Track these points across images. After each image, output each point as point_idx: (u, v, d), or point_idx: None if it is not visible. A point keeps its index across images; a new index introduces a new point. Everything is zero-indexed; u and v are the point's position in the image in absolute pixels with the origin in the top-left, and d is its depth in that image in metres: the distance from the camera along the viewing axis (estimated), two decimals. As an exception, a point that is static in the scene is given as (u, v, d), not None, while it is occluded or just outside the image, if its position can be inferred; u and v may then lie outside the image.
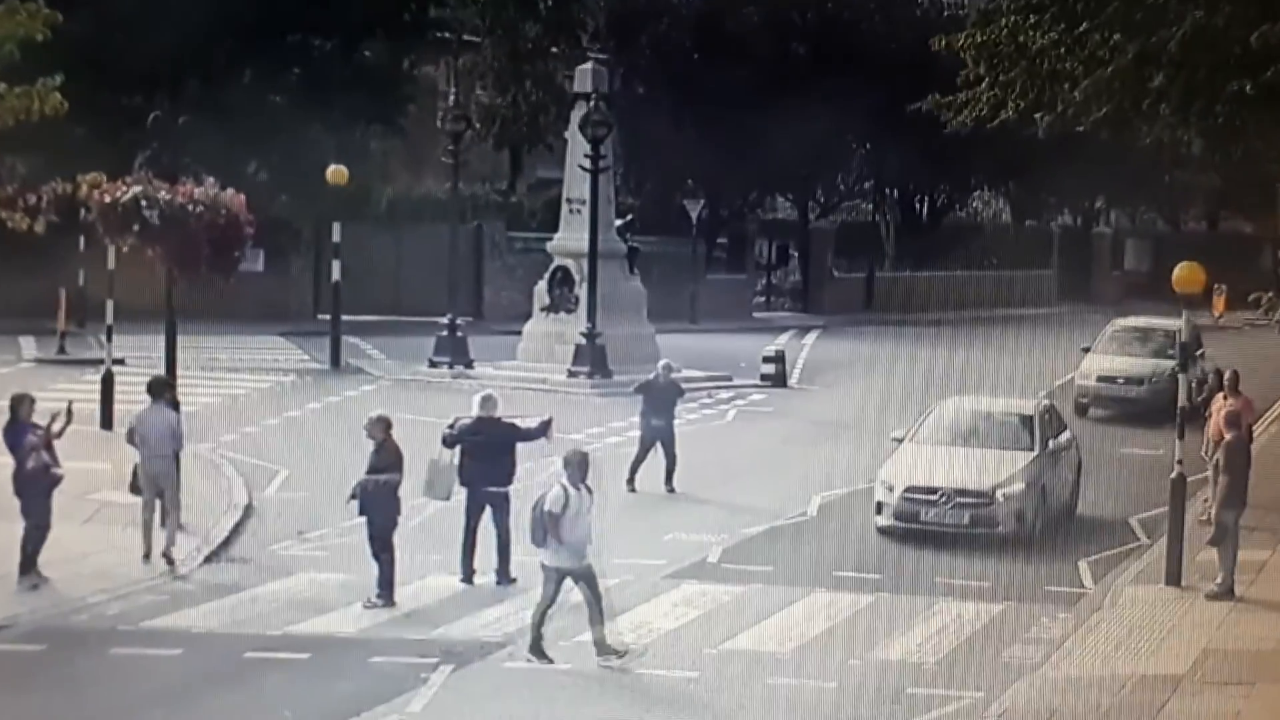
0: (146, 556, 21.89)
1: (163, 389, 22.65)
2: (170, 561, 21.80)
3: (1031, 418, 26.24)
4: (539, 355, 40.17)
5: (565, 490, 18.21)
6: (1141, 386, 36.07)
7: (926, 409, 26.89)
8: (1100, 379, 36.46)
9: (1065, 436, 27.01)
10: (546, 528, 18.17)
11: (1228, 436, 22.18)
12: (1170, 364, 35.18)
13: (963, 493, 24.58)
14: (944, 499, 24.51)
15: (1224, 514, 21.62)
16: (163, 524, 22.10)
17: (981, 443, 25.89)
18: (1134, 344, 37.54)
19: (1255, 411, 26.35)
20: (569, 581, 18.46)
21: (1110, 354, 37.18)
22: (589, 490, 18.42)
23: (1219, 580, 21.55)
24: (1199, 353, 35.39)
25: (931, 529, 24.45)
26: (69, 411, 21.30)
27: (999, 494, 24.56)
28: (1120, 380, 36.31)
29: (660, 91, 59.39)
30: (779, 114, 54.49)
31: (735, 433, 33.86)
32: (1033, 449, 25.61)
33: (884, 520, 24.83)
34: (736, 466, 29.81)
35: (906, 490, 24.74)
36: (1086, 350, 37.46)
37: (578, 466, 18.48)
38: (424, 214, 52.54)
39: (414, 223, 52.47)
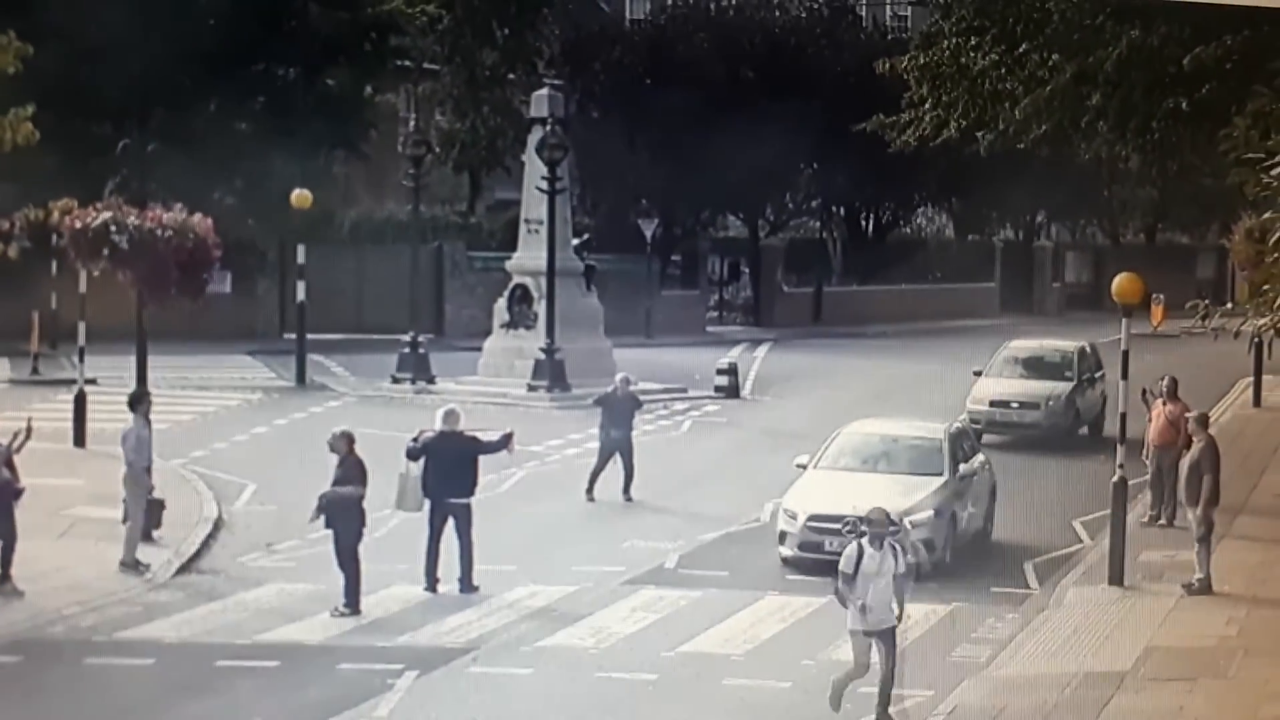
0: (135, 565, 22.29)
1: (136, 402, 22.97)
2: (131, 567, 22.17)
3: (940, 441, 24.91)
4: (499, 370, 40.49)
5: (860, 549, 17.25)
6: (1038, 411, 33.98)
7: (832, 433, 25.58)
8: (994, 404, 33.98)
9: (978, 460, 25.75)
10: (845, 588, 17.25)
11: (1202, 441, 22.62)
12: (1067, 386, 34.22)
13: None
14: (848, 528, 22.56)
15: (1210, 511, 22.15)
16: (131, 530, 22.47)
17: (889, 468, 24.61)
18: (1028, 367, 35.25)
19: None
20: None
21: (1004, 377, 34.92)
22: (894, 549, 17.38)
23: (1199, 575, 22.06)
24: (1099, 374, 34.98)
25: (836, 559, 22.67)
26: (28, 429, 21.62)
27: (905, 522, 22.95)
28: (1015, 405, 34.01)
29: (614, 115, 59.84)
30: (729, 136, 54.98)
31: (691, 443, 34.17)
32: (942, 474, 24.29)
33: (787, 550, 23.57)
34: (692, 475, 30.09)
35: (810, 519, 23.37)
36: (978, 374, 35.06)
37: (878, 525, 17.46)
38: (386, 235, 52.92)
39: (376, 244, 52.81)
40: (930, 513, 23.53)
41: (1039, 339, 38.27)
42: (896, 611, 17.30)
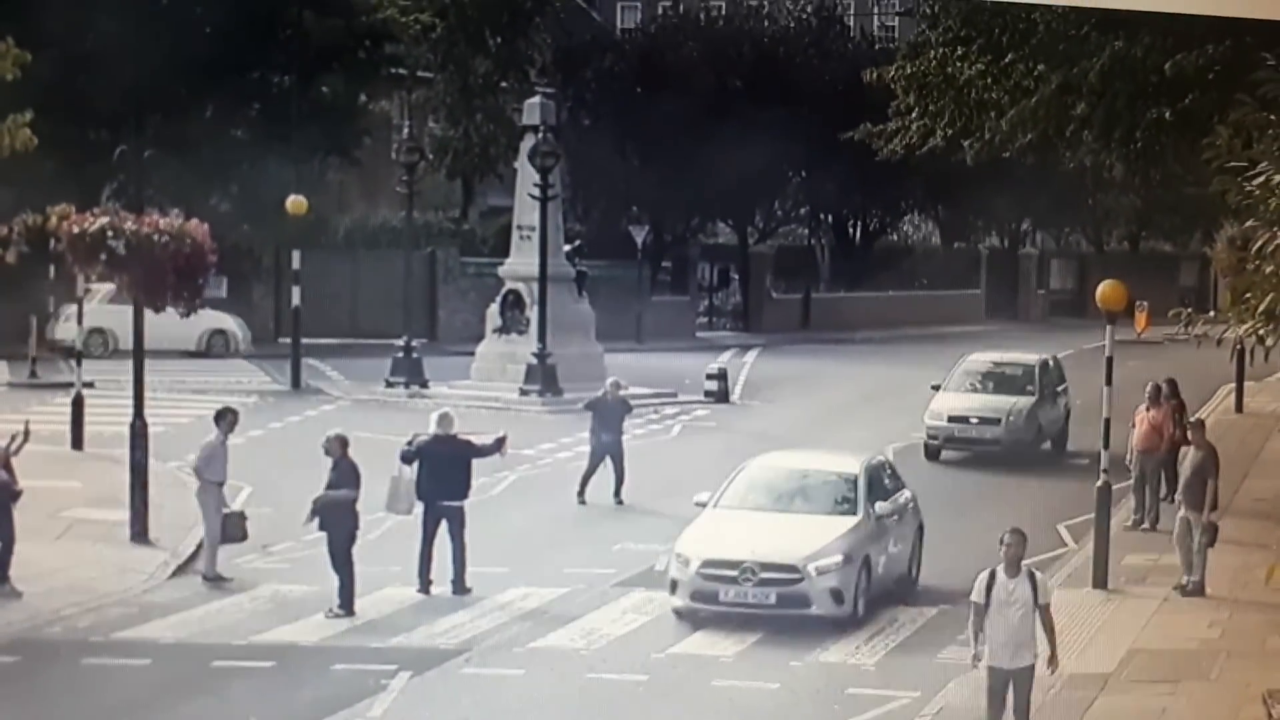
0: (219, 579, 22.43)
1: (220, 417, 22.91)
2: (213, 579, 22.32)
3: (855, 476, 22.33)
4: (492, 375, 40.66)
5: (992, 575, 15.48)
6: (998, 426, 32.49)
7: (736, 468, 23.08)
8: (952, 419, 32.64)
9: (903, 496, 23.25)
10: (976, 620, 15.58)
11: (1203, 449, 22.79)
12: (1029, 401, 33.01)
13: (768, 567, 20.65)
14: (746, 575, 20.61)
15: (1212, 516, 22.39)
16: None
17: (796, 507, 22.00)
18: (988, 381, 33.82)
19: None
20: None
21: (963, 391, 33.44)
22: (1031, 578, 15.51)
23: (1194, 578, 22.35)
24: (1062, 388, 34.35)
25: (733, 611, 20.65)
26: (26, 431, 21.77)
27: (810, 568, 20.66)
28: (974, 420, 32.58)
29: (605, 123, 60.20)
30: (719, 144, 55.30)
31: (680, 447, 34.36)
32: (855, 513, 21.77)
33: (679, 600, 20.95)
34: (682, 478, 29.62)
35: (704, 565, 20.77)
36: (936, 388, 33.57)
37: (1014, 547, 15.50)
38: (380, 241, 53.21)
39: (370, 250, 53.09)
40: (838, 558, 20.91)
41: (999, 352, 36.78)
42: (1041, 649, 15.51)
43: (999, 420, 32.69)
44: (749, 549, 20.86)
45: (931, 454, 32.51)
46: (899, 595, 22.40)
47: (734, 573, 20.70)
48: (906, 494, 23.47)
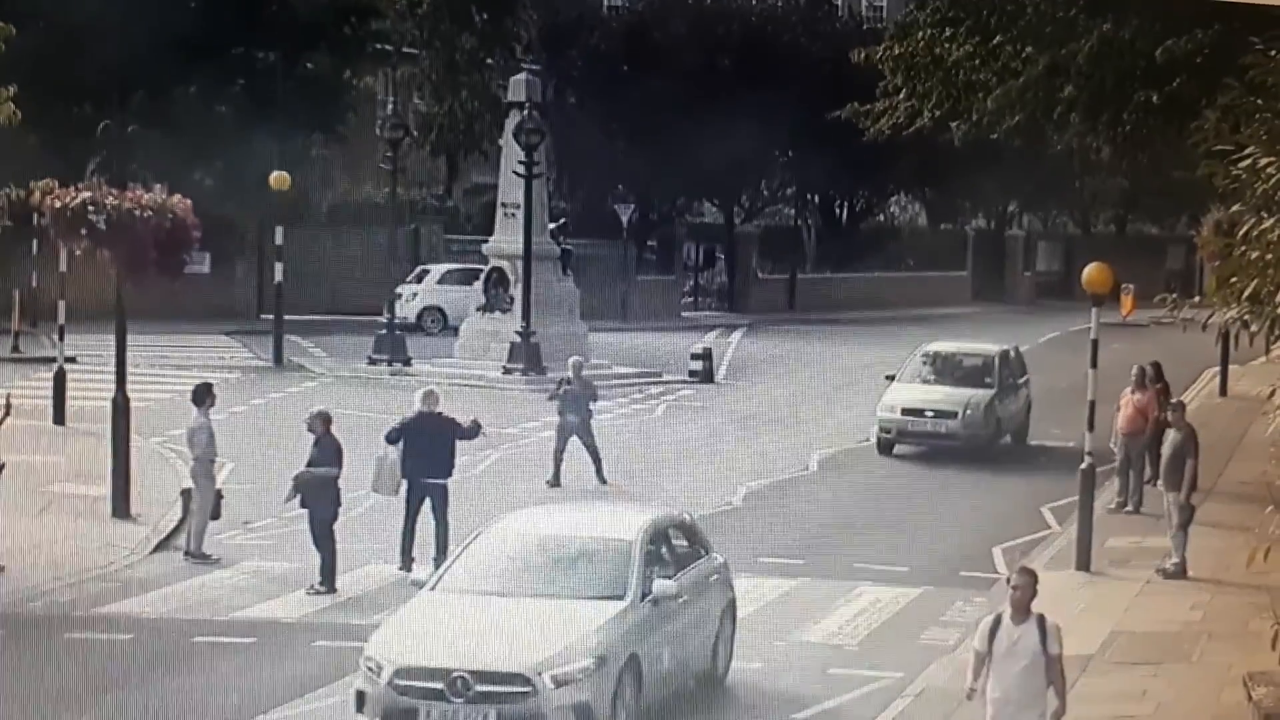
0: (204, 557, 22.43)
1: (201, 397, 22.80)
2: (201, 557, 22.34)
3: (629, 545, 16.67)
4: (475, 353, 40.64)
5: (995, 622, 13.51)
6: (954, 420, 30.97)
7: (471, 534, 17.65)
8: (906, 412, 31.02)
9: (705, 566, 17.90)
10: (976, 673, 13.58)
11: (1183, 429, 22.86)
12: (987, 394, 31.64)
13: (485, 677, 15.22)
14: (456, 689, 15.20)
15: (1190, 497, 22.50)
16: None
17: (543, 590, 16.38)
18: (944, 372, 32.21)
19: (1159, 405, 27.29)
20: None
21: (918, 383, 31.89)
22: (1041, 624, 13.41)
23: (1176, 560, 22.48)
24: (1023, 379, 33.31)
25: None
26: (7, 406, 21.73)
27: (545, 678, 15.29)
28: (930, 413, 31.04)
29: (591, 101, 60.09)
30: (705, 123, 55.28)
31: (665, 426, 34.27)
32: (623, 597, 16.27)
33: None
34: (666, 458, 30.12)
35: (398, 675, 15.41)
36: (891, 379, 32.08)
37: (1020, 589, 13.52)
38: (364, 218, 53.14)
39: (354, 226, 53.06)
40: (587, 663, 15.54)
41: (957, 341, 34.80)
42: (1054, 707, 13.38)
43: (955, 414, 31.13)
44: (462, 653, 15.45)
45: (884, 448, 31.16)
46: (699, 697, 17.48)
47: (439, 685, 15.25)
48: (715, 560, 18.24)
